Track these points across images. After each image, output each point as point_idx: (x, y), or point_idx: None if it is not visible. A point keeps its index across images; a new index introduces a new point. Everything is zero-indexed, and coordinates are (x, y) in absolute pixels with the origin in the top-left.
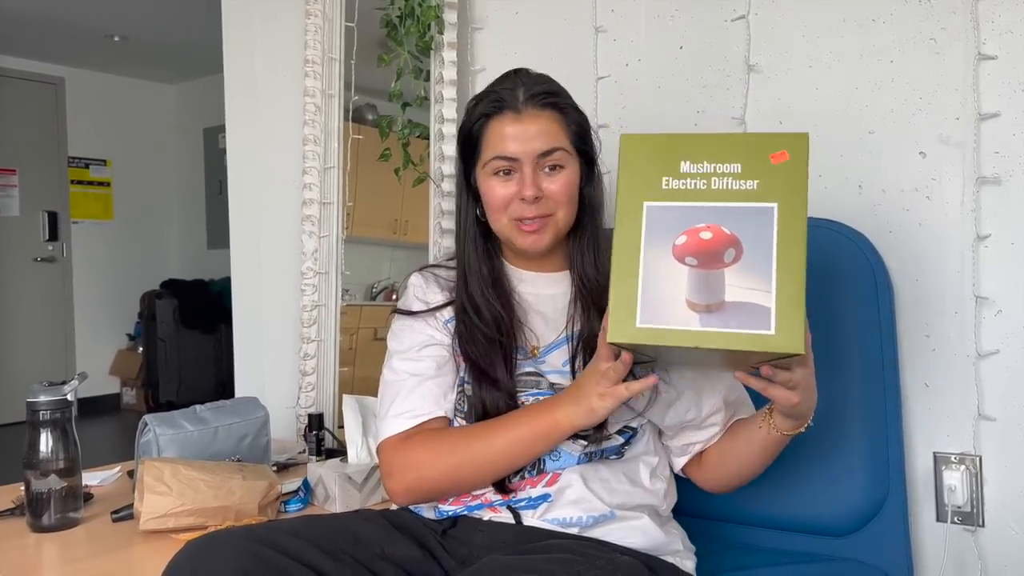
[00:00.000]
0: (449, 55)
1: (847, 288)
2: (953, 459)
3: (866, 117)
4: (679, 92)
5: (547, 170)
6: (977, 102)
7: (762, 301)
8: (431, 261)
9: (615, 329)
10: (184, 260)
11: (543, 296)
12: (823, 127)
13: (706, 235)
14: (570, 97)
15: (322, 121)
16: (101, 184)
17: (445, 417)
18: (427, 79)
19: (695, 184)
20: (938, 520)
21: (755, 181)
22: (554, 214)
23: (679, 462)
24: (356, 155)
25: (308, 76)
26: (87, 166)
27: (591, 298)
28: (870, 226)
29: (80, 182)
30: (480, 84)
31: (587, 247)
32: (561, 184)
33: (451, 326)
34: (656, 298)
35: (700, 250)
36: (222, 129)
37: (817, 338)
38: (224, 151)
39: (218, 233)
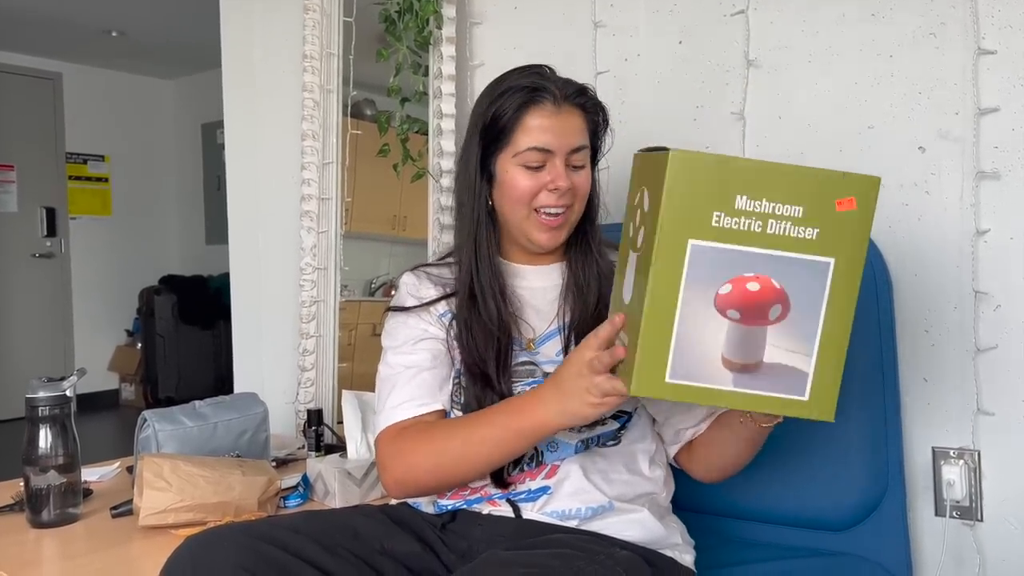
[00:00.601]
0: (448, 50)
1: None
2: (952, 454)
3: (865, 112)
4: (678, 87)
5: (573, 167)
6: (977, 97)
7: (801, 365)
8: (430, 256)
9: (641, 381)
10: (183, 256)
11: (536, 289)
12: (822, 122)
13: (753, 286)
14: (595, 96)
15: (320, 116)
16: (99, 180)
17: (442, 409)
18: (426, 74)
19: (749, 225)
20: (937, 515)
21: (816, 229)
22: (573, 206)
23: (672, 450)
24: (355, 151)
25: (306, 71)
26: (85, 162)
27: (582, 288)
28: None
29: (78, 178)
30: (479, 79)
31: (587, 237)
32: (584, 181)
33: (446, 319)
34: (690, 352)
35: (745, 303)
36: (220, 125)
37: None
38: (222, 147)
39: (217, 229)
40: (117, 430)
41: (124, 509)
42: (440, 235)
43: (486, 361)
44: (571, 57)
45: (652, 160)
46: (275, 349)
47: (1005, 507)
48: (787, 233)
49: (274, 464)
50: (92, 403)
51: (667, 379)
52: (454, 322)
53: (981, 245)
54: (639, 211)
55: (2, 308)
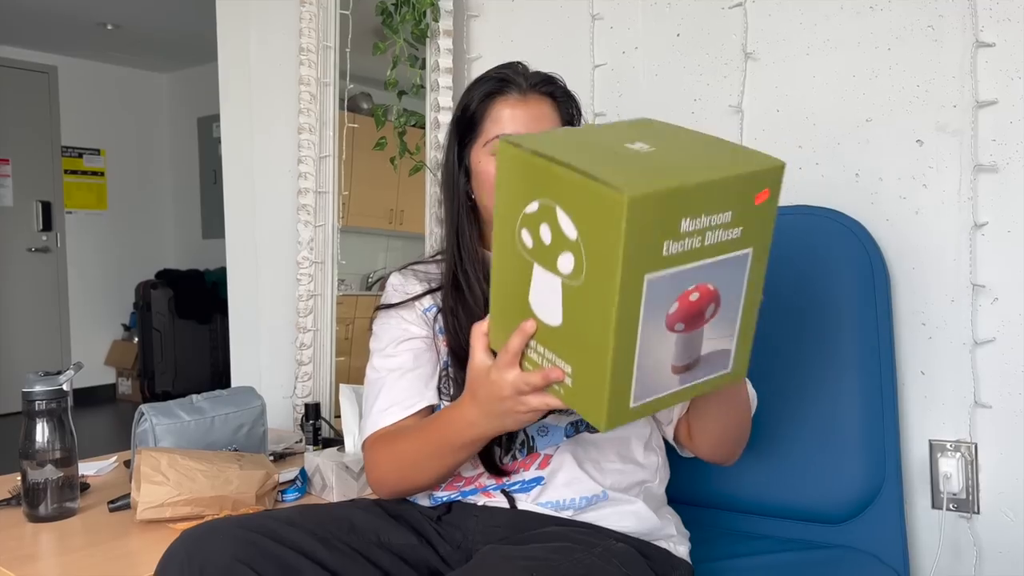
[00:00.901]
0: (445, 43)
1: (844, 276)
2: (949, 446)
3: (863, 105)
4: (676, 80)
5: None
6: (975, 90)
7: (726, 346)
8: (427, 250)
9: (611, 418)
10: (179, 250)
11: None
12: (820, 115)
13: (694, 296)
14: (564, 85)
15: (317, 110)
16: (95, 174)
17: (426, 407)
18: (423, 67)
19: (692, 243)
20: (933, 507)
21: (740, 228)
22: None
23: (668, 431)
24: (351, 144)
25: (303, 64)
26: (80, 155)
27: None
28: (867, 214)
29: (74, 172)
30: (476, 72)
31: None
32: None
33: (430, 314)
34: (647, 374)
35: (688, 314)
36: (216, 118)
37: (814, 326)
38: (219, 140)
39: (213, 223)
40: (114, 425)
41: (122, 503)
42: (438, 228)
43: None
44: (568, 50)
45: (567, 182)
46: (272, 343)
47: (1002, 499)
48: (720, 239)
49: (272, 458)
50: (89, 398)
51: (631, 405)
52: (439, 315)
53: (979, 238)
54: (543, 225)
55: None
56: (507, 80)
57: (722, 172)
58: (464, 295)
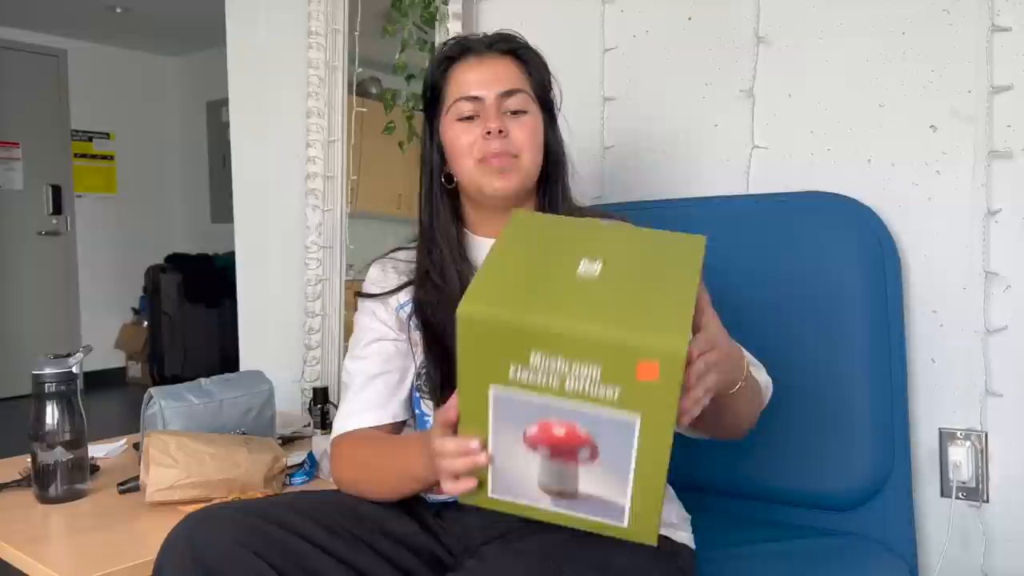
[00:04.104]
0: (454, 26)
1: (855, 262)
2: (959, 435)
3: (876, 89)
4: (687, 64)
5: (510, 113)
6: (990, 74)
7: (617, 499)
8: None
9: (468, 495)
10: (188, 234)
11: None
12: (832, 100)
13: (559, 431)
14: (533, 49)
15: (326, 93)
16: (104, 157)
17: (388, 424)
18: (432, 51)
19: (547, 380)
20: (942, 495)
21: (617, 387)
22: (520, 156)
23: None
24: (360, 128)
25: (312, 48)
26: (90, 139)
27: None
28: (879, 200)
29: (83, 155)
30: None
31: (555, 201)
32: (526, 128)
33: (403, 312)
34: (507, 476)
35: (553, 444)
36: (225, 102)
37: (824, 313)
38: (227, 124)
39: (222, 207)
40: (123, 408)
41: (131, 485)
42: None
43: (446, 333)
44: (579, 33)
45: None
46: (281, 328)
47: (1012, 488)
48: (586, 391)
49: (280, 442)
50: (99, 381)
51: (490, 494)
52: (414, 312)
53: (992, 225)
54: None
55: (9, 286)
56: (464, 45)
57: (594, 328)
58: (437, 283)
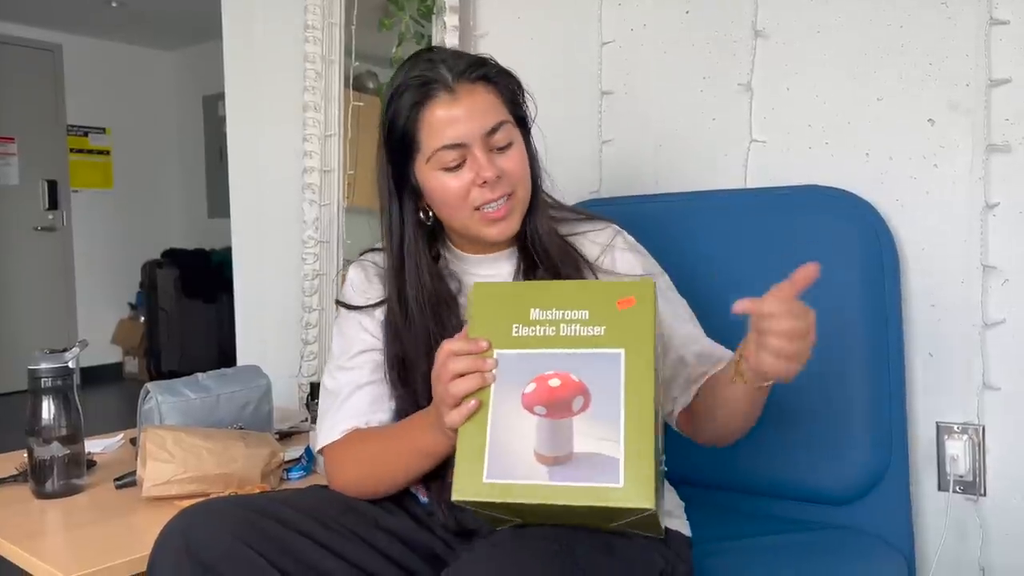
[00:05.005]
0: (451, 19)
1: (852, 256)
2: (956, 429)
3: (874, 83)
4: (685, 58)
5: (497, 150)
6: (988, 68)
7: (611, 452)
8: None
9: (460, 486)
10: (185, 229)
11: (484, 277)
12: (830, 93)
13: (555, 382)
14: (496, 63)
15: (322, 87)
16: (100, 152)
17: (378, 425)
18: (429, 44)
19: (544, 331)
20: (939, 489)
21: (602, 327)
22: (515, 192)
23: (671, 420)
24: (357, 123)
25: (308, 41)
26: (86, 134)
27: (537, 266)
28: (877, 194)
29: (79, 150)
30: (483, 49)
31: (535, 215)
32: (515, 161)
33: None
34: (504, 451)
35: (549, 399)
36: (222, 97)
37: (822, 307)
38: (224, 119)
39: (219, 202)
40: (120, 403)
41: (128, 480)
42: None
43: (418, 362)
44: (576, 26)
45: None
46: (278, 323)
47: (1009, 482)
48: (577, 333)
49: (277, 437)
50: (95, 376)
51: (485, 479)
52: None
53: (990, 219)
54: None
55: (5, 281)
56: (429, 81)
57: (581, 282)
58: (406, 309)
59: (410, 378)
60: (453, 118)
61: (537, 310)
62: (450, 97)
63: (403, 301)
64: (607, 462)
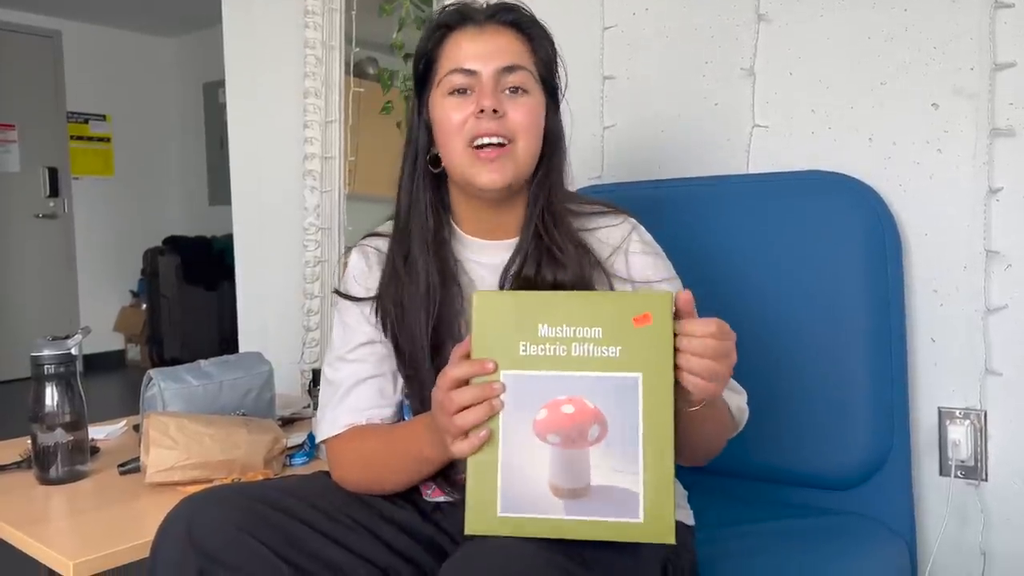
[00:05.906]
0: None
1: (855, 241)
2: (958, 414)
3: (878, 67)
4: (687, 42)
5: (509, 92)
6: (993, 52)
7: (630, 485)
8: None
9: (473, 519)
10: (186, 217)
11: (487, 266)
12: (833, 77)
13: (568, 409)
14: (540, 23)
15: (323, 73)
16: (101, 140)
17: (386, 416)
18: None
19: (555, 350)
20: (941, 474)
21: (617, 347)
22: (514, 142)
23: None
24: (358, 109)
25: (308, 27)
26: (86, 121)
27: (540, 267)
28: (880, 179)
29: (80, 137)
30: None
31: (551, 196)
32: (525, 110)
33: None
34: (518, 482)
35: (562, 426)
36: (222, 84)
37: (824, 291)
38: (224, 106)
39: (220, 189)
40: (123, 390)
41: (131, 466)
42: None
43: (419, 348)
44: (578, 11)
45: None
46: (279, 309)
47: (1010, 467)
48: (591, 354)
49: (280, 423)
50: (98, 363)
51: (499, 513)
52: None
53: (994, 204)
54: None
55: (6, 268)
56: (462, 12)
57: (594, 296)
58: (406, 282)
59: (408, 327)
60: (473, 47)
61: (546, 326)
62: (476, 30)
63: (405, 248)
64: (626, 496)
